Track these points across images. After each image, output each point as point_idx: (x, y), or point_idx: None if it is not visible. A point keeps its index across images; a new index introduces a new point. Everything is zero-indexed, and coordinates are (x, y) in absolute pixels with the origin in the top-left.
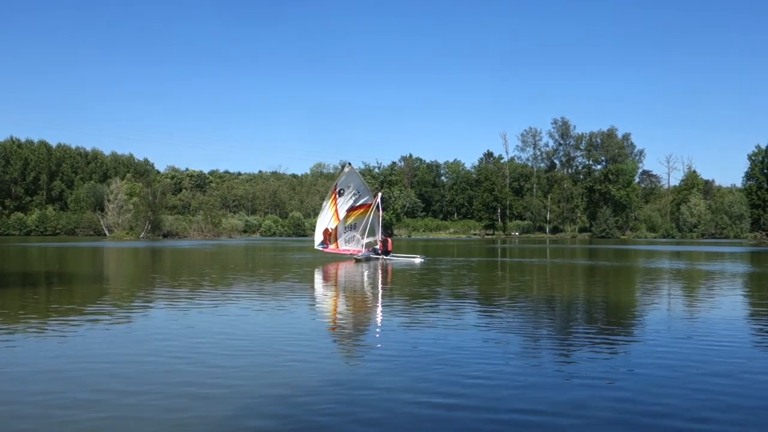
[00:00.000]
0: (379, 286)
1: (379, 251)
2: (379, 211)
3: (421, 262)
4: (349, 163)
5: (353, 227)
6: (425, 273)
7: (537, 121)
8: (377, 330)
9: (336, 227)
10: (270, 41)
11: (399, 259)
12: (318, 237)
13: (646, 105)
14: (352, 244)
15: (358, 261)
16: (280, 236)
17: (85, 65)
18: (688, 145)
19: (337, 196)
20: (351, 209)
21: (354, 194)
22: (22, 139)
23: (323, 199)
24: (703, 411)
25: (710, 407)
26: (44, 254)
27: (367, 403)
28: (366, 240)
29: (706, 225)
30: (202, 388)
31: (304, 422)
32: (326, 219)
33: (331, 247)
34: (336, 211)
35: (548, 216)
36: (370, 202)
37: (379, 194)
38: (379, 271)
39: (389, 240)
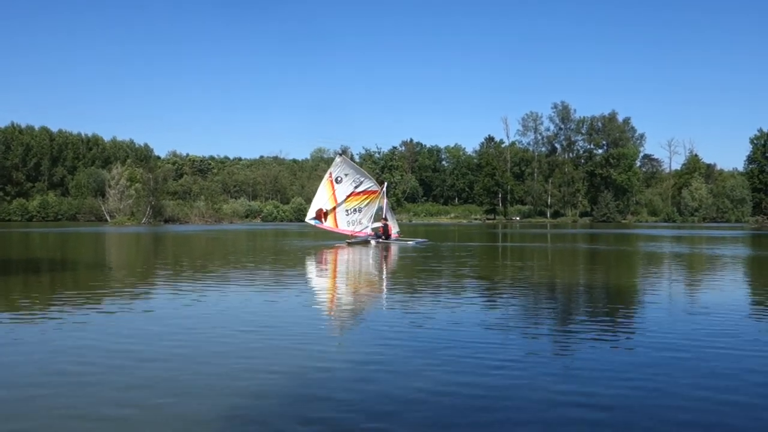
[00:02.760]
0: (381, 270)
1: (380, 234)
2: (384, 198)
3: (413, 245)
4: (340, 153)
5: (357, 210)
6: (426, 258)
7: (538, 105)
8: (377, 316)
9: (333, 208)
10: (271, 25)
11: (395, 243)
12: (311, 213)
13: (648, 89)
14: (355, 227)
15: (350, 244)
16: (282, 221)
17: (85, 51)
18: (690, 128)
19: (335, 182)
20: (351, 194)
21: (353, 182)
22: (23, 125)
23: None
24: (706, 412)
25: (709, 405)
26: (46, 240)
27: (372, 396)
28: (374, 225)
29: (707, 209)
30: (190, 386)
31: (310, 415)
32: (322, 200)
33: (327, 224)
34: (333, 194)
35: (549, 200)
36: (374, 189)
37: (386, 183)
38: (378, 255)
39: (389, 225)
